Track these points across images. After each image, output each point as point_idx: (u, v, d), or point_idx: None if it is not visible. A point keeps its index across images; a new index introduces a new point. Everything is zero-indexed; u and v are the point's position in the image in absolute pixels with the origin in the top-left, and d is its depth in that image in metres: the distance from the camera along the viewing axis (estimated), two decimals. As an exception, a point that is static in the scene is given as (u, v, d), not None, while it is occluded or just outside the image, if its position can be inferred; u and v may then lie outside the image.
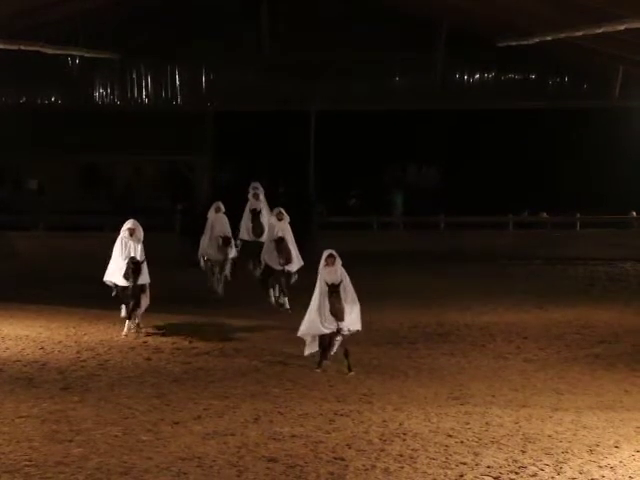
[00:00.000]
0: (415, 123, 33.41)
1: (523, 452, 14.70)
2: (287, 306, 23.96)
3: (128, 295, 21.62)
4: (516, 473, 13.86)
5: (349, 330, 18.35)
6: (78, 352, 20.78)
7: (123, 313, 22.00)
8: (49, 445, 15.15)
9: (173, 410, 16.88)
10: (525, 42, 26.85)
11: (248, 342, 21.86)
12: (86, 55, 31.79)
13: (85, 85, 33.60)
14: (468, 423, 16.02)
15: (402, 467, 14.09)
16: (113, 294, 21.73)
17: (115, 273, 21.77)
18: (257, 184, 27.53)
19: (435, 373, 18.86)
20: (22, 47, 26.95)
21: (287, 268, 23.50)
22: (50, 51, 29.22)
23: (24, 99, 33.61)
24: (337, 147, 33.42)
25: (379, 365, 19.73)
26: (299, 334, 18.87)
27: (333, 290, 18.02)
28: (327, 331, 18.17)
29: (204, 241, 25.97)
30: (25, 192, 35.20)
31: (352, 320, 18.26)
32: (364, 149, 34.23)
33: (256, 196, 27.11)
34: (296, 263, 23.66)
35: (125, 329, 21.78)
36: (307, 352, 18.94)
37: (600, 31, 20.13)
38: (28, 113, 33.48)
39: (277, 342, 21.64)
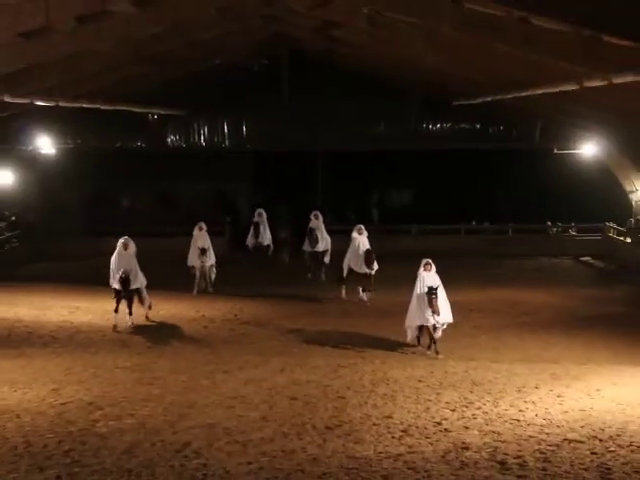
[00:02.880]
0: (394, 159, 33.25)
1: (471, 392, 14.93)
2: (366, 299, 22.74)
3: (123, 297, 19.73)
4: (466, 407, 14.08)
5: (444, 322, 17.40)
6: (156, 322, 20.86)
7: (115, 308, 19.81)
8: (137, 387, 15.44)
9: (223, 363, 17.11)
10: (472, 102, 26.83)
11: (276, 316, 21.74)
12: (162, 112, 31.82)
13: (161, 133, 33.55)
14: (432, 372, 16.37)
15: (386, 403, 14.43)
16: (113, 296, 20.05)
17: (113, 280, 19.92)
18: (317, 211, 26.35)
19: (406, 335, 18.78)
20: (118, 107, 26.97)
21: (370, 271, 22.28)
22: (137, 110, 29.26)
23: (119, 144, 33.53)
24: (338, 176, 33.38)
25: (368, 331, 19.58)
26: (405, 325, 17.80)
27: (432, 291, 16.90)
28: (427, 324, 17.17)
29: (190, 253, 24.26)
30: (120, 209, 35.26)
31: (445, 314, 17.31)
32: (357, 178, 34.12)
33: (316, 216, 26.03)
34: (375, 266, 22.34)
35: (129, 322, 19.98)
36: (409, 338, 17.86)
37: (524, 94, 20.10)
38: (122, 154, 33.47)
39: (298, 316, 21.47)
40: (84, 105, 23.66)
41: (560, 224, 32.21)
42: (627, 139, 27.50)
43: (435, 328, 17.19)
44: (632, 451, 12.08)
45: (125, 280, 19.41)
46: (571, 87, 15.81)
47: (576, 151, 29.79)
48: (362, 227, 23.03)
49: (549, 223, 32.14)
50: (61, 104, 21.86)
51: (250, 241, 27.24)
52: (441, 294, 17.14)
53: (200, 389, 15.17)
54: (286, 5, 20.86)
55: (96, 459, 11.92)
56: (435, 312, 16.90)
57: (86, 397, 14.64)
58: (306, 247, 26.07)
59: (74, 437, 12.77)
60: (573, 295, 24.09)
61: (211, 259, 24.36)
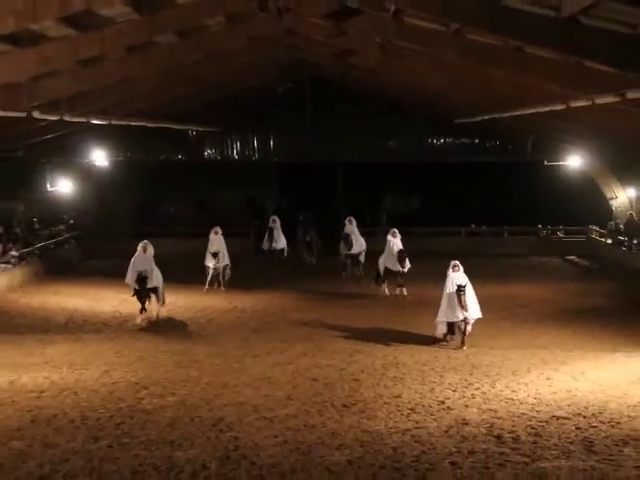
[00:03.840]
0: (403, 170, 33.19)
1: (471, 375, 14.95)
2: (405, 293, 22.29)
3: (141, 295, 19.17)
4: (466, 388, 14.16)
5: (473, 318, 16.87)
6: (194, 312, 20.78)
7: (140, 306, 19.32)
8: (177, 369, 15.46)
9: (252, 348, 17.10)
10: (471, 120, 26.72)
11: (299, 308, 21.61)
12: (200, 129, 31.90)
13: (199, 147, 33.61)
14: (436, 357, 16.39)
15: (395, 384, 14.47)
16: (132, 294, 19.47)
17: (132, 279, 19.31)
18: (351, 217, 25.68)
19: (416, 327, 18.59)
20: (162, 125, 27.09)
21: (402, 269, 21.97)
22: (178, 127, 29.44)
23: (163, 157, 33.62)
24: (355, 185, 33.32)
25: (380, 321, 19.50)
26: (436, 321, 17.25)
27: (461, 290, 16.47)
28: (457, 319, 16.72)
29: (206, 255, 23.49)
30: (163, 213, 35.37)
31: (474, 310, 16.82)
32: (371, 186, 34.08)
33: (350, 221, 25.44)
34: (408, 265, 22.00)
35: (138, 320, 19.30)
36: (439, 333, 17.27)
37: (518, 113, 20.03)
38: (165, 165, 33.59)
39: (319, 308, 21.32)
40: (133, 123, 23.86)
41: (549, 227, 32.03)
42: (608, 152, 27.38)
43: (466, 323, 16.71)
44: (612, 426, 12.12)
45: (142, 279, 18.99)
46: (559, 107, 15.76)
47: (563, 163, 29.63)
48: (396, 230, 22.64)
49: (539, 226, 31.97)
50: (113, 122, 22.04)
51: (265, 245, 26.62)
52: (469, 292, 16.72)
53: (232, 371, 15.22)
54: (307, 35, 20.89)
55: (142, 431, 12.02)
56: (464, 308, 16.49)
57: (133, 378, 14.77)
58: (342, 250, 25.54)
59: (123, 412, 12.88)
60: (561, 290, 23.95)
61: (224, 260, 23.69)
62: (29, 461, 10.97)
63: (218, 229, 23.80)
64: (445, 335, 17.12)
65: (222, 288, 23.69)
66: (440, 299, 17.28)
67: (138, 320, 19.22)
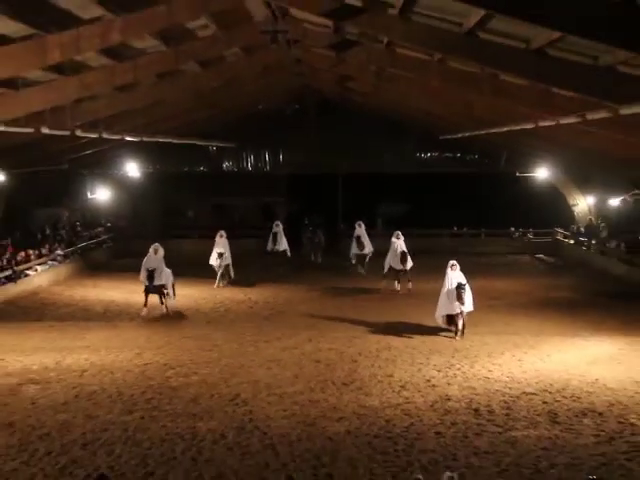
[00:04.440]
0: (395, 180, 33.05)
1: (453, 357, 15.04)
2: (410, 287, 21.80)
3: (149, 291, 18.79)
4: (449, 368, 14.30)
5: (467, 311, 16.51)
6: (214, 303, 20.68)
7: (146, 301, 18.85)
8: (199, 352, 15.45)
9: (264, 334, 17.04)
10: (454, 136, 26.66)
11: (306, 299, 21.48)
12: (219, 145, 31.87)
13: (218, 160, 33.49)
14: (424, 342, 16.44)
15: (388, 365, 14.53)
16: (142, 291, 19.01)
17: (143, 277, 18.87)
18: (360, 221, 25.24)
19: (406, 316, 18.60)
20: (186, 141, 27.04)
21: (405, 268, 21.54)
22: (200, 143, 29.26)
23: (187, 168, 33.57)
24: (353, 193, 33.20)
25: (375, 311, 19.44)
26: (436, 314, 16.92)
27: (461, 287, 16.13)
28: (454, 312, 16.38)
29: (212, 255, 22.96)
30: (186, 218, 35.33)
31: (468, 304, 16.45)
32: (368, 194, 33.94)
33: (359, 225, 24.99)
34: (409, 263, 21.69)
35: (144, 311, 18.78)
36: (441, 324, 16.91)
37: (493, 131, 20.00)
38: (189, 176, 33.54)
39: (323, 300, 21.24)
40: (161, 139, 23.78)
41: (521, 229, 31.93)
42: (570, 166, 27.36)
43: (461, 315, 16.40)
44: (573, 401, 12.23)
45: (150, 277, 18.63)
46: (529, 126, 15.72)
47: (533, 174, 29.48)
48: (399, 233, 22.24)
49: (512, 229, 31.89)
50: (144, 139, 22.00)
51: (269, 246, 26.02)
52: (468, 288, 16.46)
53: (247, 354, 15.27)
54: (312, 64, 20.90)
55: (170, 406, 12.08)
56: (462, 303, 16.16)
57: (162, 359, 14.84)
58: (354, 250, 25.08)
59: (153, 389, 12.95)
60: (530, 283, 23.84)
61: (227, 260, 23.15)
62: (73, 430, 11.08)
63: (223, 232, 23.42)
64: (447, 325, 16.87)
65: (222, 283, 23.16)
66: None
67: (143, 312, 18.76)
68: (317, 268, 27.04)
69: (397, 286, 22.04)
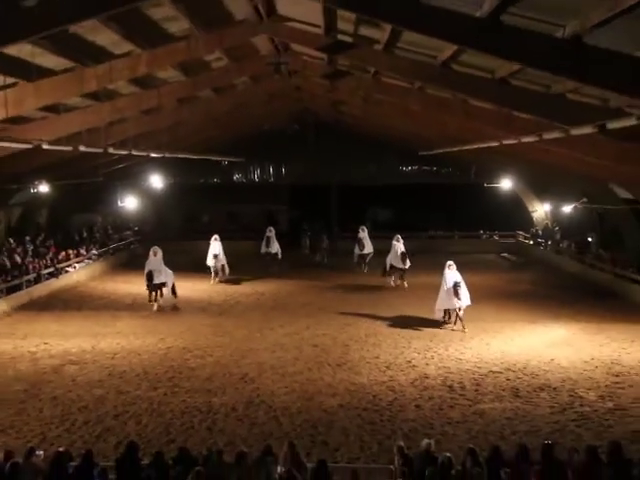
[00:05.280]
0: (381, 190, 32.98)
1: (431, 341, 15.15)
2: (406, 285, 21.24)
3: (151, 288, 18.30)
4: (427, 350, 14.40)
5: (466, 305, 15.97)
6: (225, 296, 20.50)
7: (149, 297, 18.48)
8: (213, 338, 15.45)
9: (269, 322, 17.03)
10: (430, 152, 26.62)
11: (305, 292, 21.18)
12: (230, 159, 31.80)
13: (229, 173, 33.43)
14: (405, 328, 16.26)
15: (374, 348, 14.60)
16: (146, 288, 18.54)
17: (145, 276, 18.28)
18: (363, 226, 24.75)
19: (391, 307, 18.44)
20: (202, 156, 26.94)
21: (404, 267, 20.99)
22: (213, 158, 29.17)
23: (202, 180, 33.47)
24: (346, 201, 33.07)
25: (365, 303, 19.18)
26: (436, 309, 16.40)
27: (458, 285, 15.67)
28: (452, 307, 15.93)
29: (208, 256, 22.12)
30: (202, 223, 35.20)
31: (466, 299, 15.93)
32: (358, 202, 33.80)
33: (362, 229, 24.41)
34: (408, 263, 21.06)
35: (155, 306, 18.30)
36: (438, 317, 16.41)
37: (465, 148, 20.00)
38: (205, 187, 33.41)
39: (320, 293, 20.92)
40: (181, 155, 23.75)
41: (488, 232, 31.92)
42: (529, 177, 27.32)
43: (460, 310, 15.87)
44: (532, 377, 12.29)
45: (150, 276, 18.13)
46: (494, 144, 15.73)
47: (498, 185, 29.49)
48: (399, 236, 21.70)
49: (481, 231, 31.88)
50: (166, 155, 21.98)
51: (263, 249, 24.81)
52: (463, 286, 15.93)
53: (254, 339, 15.33)
54: (310, 90, 20.92)
55: (188, 383, 12.11)
56: (459, 299, 15.71)
57: (181, 344, 14.87)
58: (357, 251, 24.44)
59: (174, 369, 12.97)
60: (497, 278, 23.70)
61: (222, 261, 22.40)
62: (107, 404, 11.13)
63: (217, 236, 22.66)
64: (443, 318, 16.47)
65: (216, 280, 22.41)
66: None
67: (154, 307, 18.29)
68: (317, 266, 26.55)
69: (394, 282, 21.68)
